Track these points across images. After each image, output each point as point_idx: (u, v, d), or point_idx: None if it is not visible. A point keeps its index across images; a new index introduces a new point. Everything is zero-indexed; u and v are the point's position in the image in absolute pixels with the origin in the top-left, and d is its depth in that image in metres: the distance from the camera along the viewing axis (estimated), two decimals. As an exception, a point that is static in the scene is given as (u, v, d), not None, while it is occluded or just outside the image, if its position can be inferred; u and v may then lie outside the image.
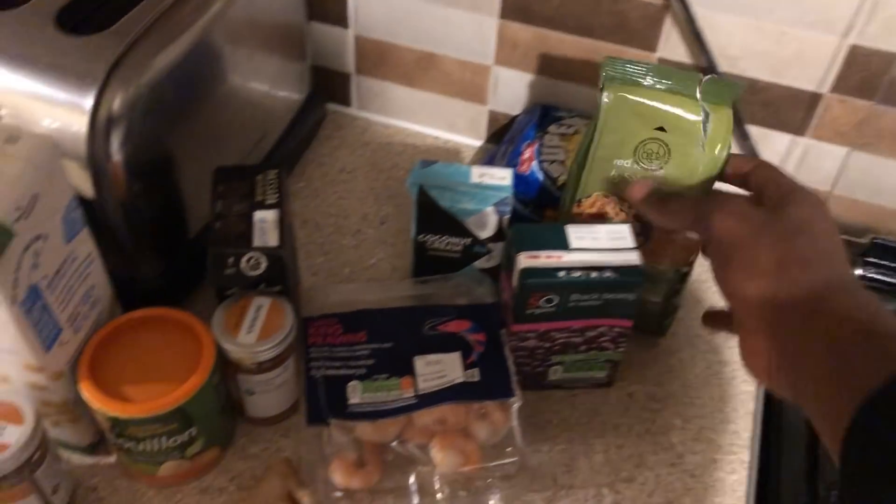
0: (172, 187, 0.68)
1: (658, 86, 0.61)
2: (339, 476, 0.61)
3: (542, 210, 0.78)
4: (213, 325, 0.60)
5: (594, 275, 0.60)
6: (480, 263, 0.71)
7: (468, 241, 0.69)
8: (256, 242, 0.61)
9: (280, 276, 0.62)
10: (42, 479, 0.56)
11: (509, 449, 0.63)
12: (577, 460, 0.65)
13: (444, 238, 0.69)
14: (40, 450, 0.55)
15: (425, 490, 0.61)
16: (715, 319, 0.63)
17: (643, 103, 0.61)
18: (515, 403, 0.63)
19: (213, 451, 0.62)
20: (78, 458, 0.63)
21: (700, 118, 0.60)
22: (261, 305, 0.61)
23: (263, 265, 0.61)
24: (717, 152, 0.61)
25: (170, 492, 0.62)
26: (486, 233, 0.68)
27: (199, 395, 0.57)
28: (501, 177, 0.68)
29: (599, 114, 0.62)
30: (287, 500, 0.60)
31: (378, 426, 0.62)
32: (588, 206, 0.66)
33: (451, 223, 0.68)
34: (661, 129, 0.61)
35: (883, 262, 0.76)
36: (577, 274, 0.60)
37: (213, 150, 0.71)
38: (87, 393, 0.56)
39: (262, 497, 0.60)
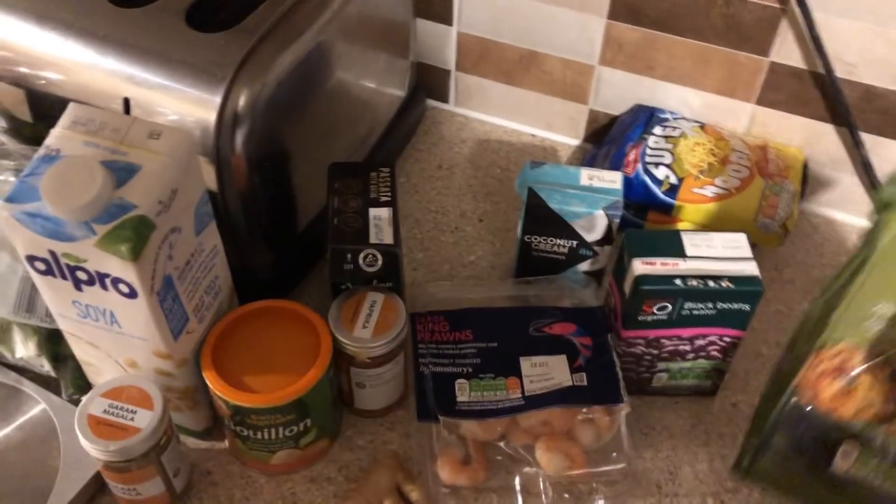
0: (286, 181, 0.69)
1: None
2: (446, 473, 0.62)
3: (646, 213, 0.77)
4: (330, 318, 0.61)
5: (711, 284, 0.60)
6: (585, 266, 0.71)
7: (575, 243, 0.69)
8: (373, 240, 0.62)
9: (394, 273, 0.63)
10: (167, 462, 0.58)
11: (615, 454, 0.63)
12: (681, 469, 0.65)
13: (550, 239, 0.69)
14: (167, 434, 0.57)
15: (529, 491, 0.62)
16: None
17: None
18: (624, 410, 0.63)
19: (324, 442, 0.64)
20: (192, 443, 0.65)
21: None
22: (375, 301, 0.62)
23: (380, 262, 0.62)
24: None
25: (281, 479, 0.63)
26: (593, 236, 0.68)
27: (316, 387, 0.58)
28: (611, 180, 0.68)
29: (875, 243, 0.53)
30: (395, 493, 0.61)
31: (485, 425, 0.63)
32: (831, 356, 0.53)
33: (559, 225, 0.68)
34: None
35: None
36: (693, 282, 0.60)
37: (324, 146, 0.72)
38: (211, 381, 0.57)
39: (371, 489, 0.61)
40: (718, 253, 0.62)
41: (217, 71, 0.60)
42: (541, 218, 0.68)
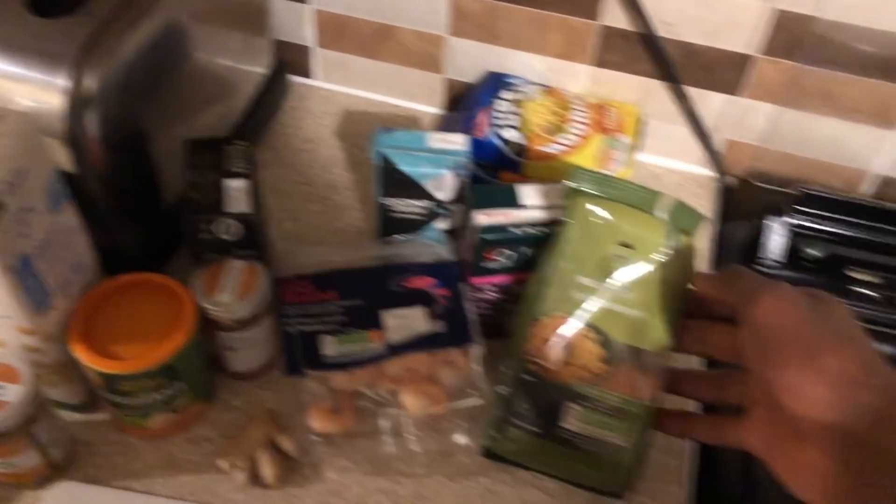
0: (147, 161, 0.71)
1: (624, 201, 0.62)
2: (316, 422, 0.66)
3: (499, 173, 0.83)
4: (193, 286, 0.64)
5: (543, 230, 0.65)
6: (442, 224, 0.76)
7: (429, 203, 0.74)
8: (229, 209, 0.66)
9: (253, 240, 0.67)
10: (40, 435, 0.60)
11: (472, 391, 0.69)
12: (534, 400, 0.71)
13: (406, 201, 0.74)
14: (37, 407, 0.59)
15: (397, 431, 0.67)
16: (669, 420, 0.60)
17: (609, 217, 0.61)
18: (476, 349, 0.68)
19: (199, 405, 0.67)
20: (71, 416, 0.68)
21: (664, 238, 0.60)
22: (236, 268, 0.66)
23: (237, 230, 0.65)
24: (680, 276, 0.61)
25: (160, 443, 0.67)
26: (445, 195, 0.73)
27: (183, 351, 0.61)
28: (456, 141, 0.73)
29: (564, 226, 0.62)
30: (269, 445, 0.65)
31: (350, 375, 0.67)
32: (547, 327, 0.61)
33: (411, 186, 0.73)
34: (626, 245, 0.61)
35: (811, 211, 0.83)
36: (527, 230, 0.65)
37: (184, 124, 0.75)
38: (79, 352, 0.60)
39: (245, 443, 0.65)
40: (552, 202, 0.68)
41: (62, 56, 0.61)
42: (394, 181, 0.73)
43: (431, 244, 0.76)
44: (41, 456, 0.61)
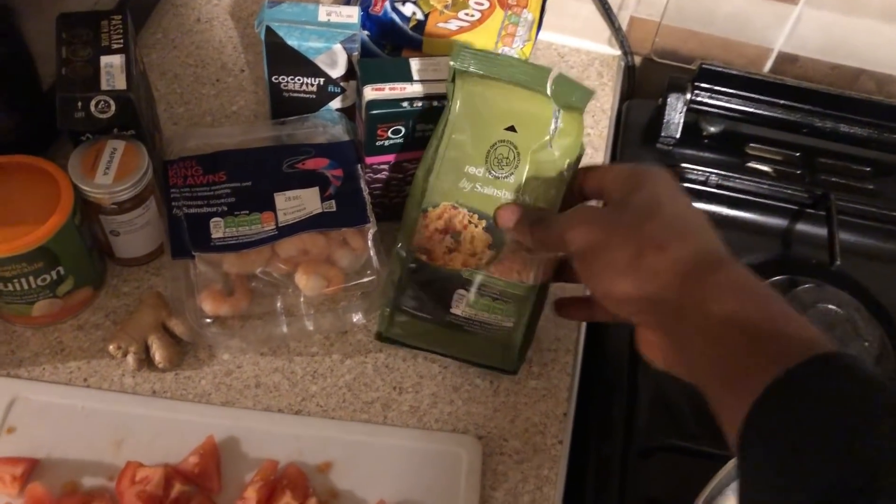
0: (17, 39, 0.67)
1: (509, 79, 0.59)
2: (208, 304, 0.65)
3: (399, 51, 0.80)
4: (70, 168, 0.62)
5: (436, 104, 0.64)
6: (336, 103, 0.74)
7: (321, 80, 0.71)
8: (104, 86, 0.62)
9: (132, 120, 0.64)
10: (-87, 323, 0.58)
11: (368, 272, 0.68)
12: (431, 278, 0.71)
13: (297, 78, 0.71)
14: None
15: (291, 312, 0.67)
16: (571, 307, 0.63)
17: (494, 99, 0.58)
18: (371, 229, 0.68)
19: (86, 291, 0.66)
20: (-49, 307, 0.65)
21: (551, 116, 0.58)
22: (115, 149, 0.63)
23: (113, 108, 0.62)
24: (567, 158, 0.59)
25: (47, 330, 0.65)
26: (337, 71, 0.71)
27: (60, 233, 0.59)
28: (348, 14, 0.70)
29: (448, 111, 0.59)
30: (160, 328, 0.64)
31: (242, 257, 0.66)
32: (435, 217, 0.60)
33: (301, 62, 0.70)
34: (512, 128, 0.59)
35: (711, 87, 0.83)
36: (418, 104, 0.64)
37: (58, 1, 0.70)
38: (-53, 238, 0.58)
39: (135, 326, 0.64)
40: (444, 75, 0.66)
41: None
42: (283, 57, 0.70)
43: (326, 124, 0.74)
44: (-83, 345, 0.59)
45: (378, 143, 0.66)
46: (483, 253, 0.61)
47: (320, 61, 0.70)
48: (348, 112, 0.75)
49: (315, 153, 0.72)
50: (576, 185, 0.60)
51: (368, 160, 0.68)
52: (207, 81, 0.82)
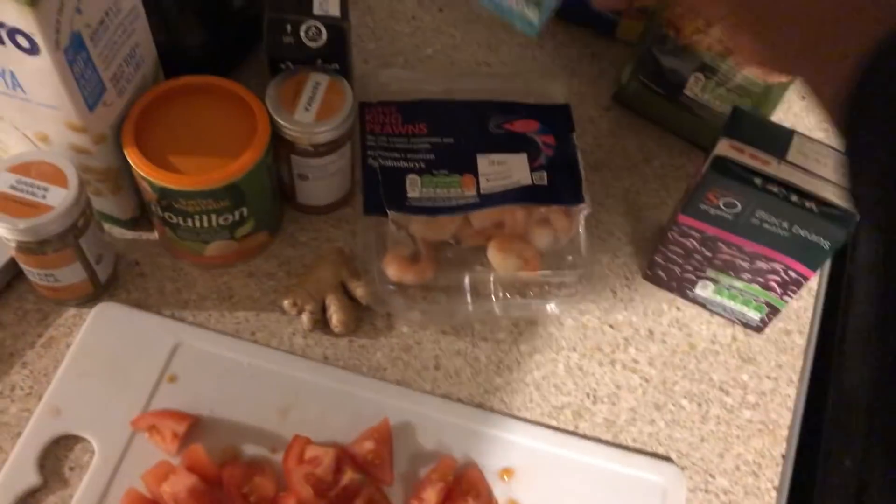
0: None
1: None
2: (392, 269, 0.58)
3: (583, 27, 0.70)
4: (268, 99, 0.55)
5: (794, 198, 0.50)
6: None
7: None
8: (317, 11, 0.55)
9: (340, 53, 0.56)
10: (86, 247, 0.53)
11: (570, 258, 0.60)
12: (638, 274, 0.62)
13: None
14: (84, 215, 0.51)
15: (478, 291, 0.59)
16: None
17: None
18: (583, 211, 0.59)
19: (262, 236, 0.59)
20: (118, 232, 0.60)
21: None
22: (318, 83, 0.56)
23: (324, 37, 0.55)
24: None
25: (216, 272, 0.59)
26: None
27: (253, 172, 0.53)
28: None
29: None
30: (339, 288, 0.58)
31: (435, 223, 0.59)
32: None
33: None
34: None
35: None
36: (775, 189, 0.50)
37: None
38: (134, 159, 0.52)
39: (314, 283, 0.57)
40: (825, 173, 0.51)
41: None
42: None
43: (541, 82, 0.65)
44: (86, 271, 0.54)
45: (703, 207, 0.54)
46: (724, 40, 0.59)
47: None
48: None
49: (525, 114, 0.63)
50: None
51: (682, 218, 0.55)
52: (402, 17, 0.74)
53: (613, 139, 0.69)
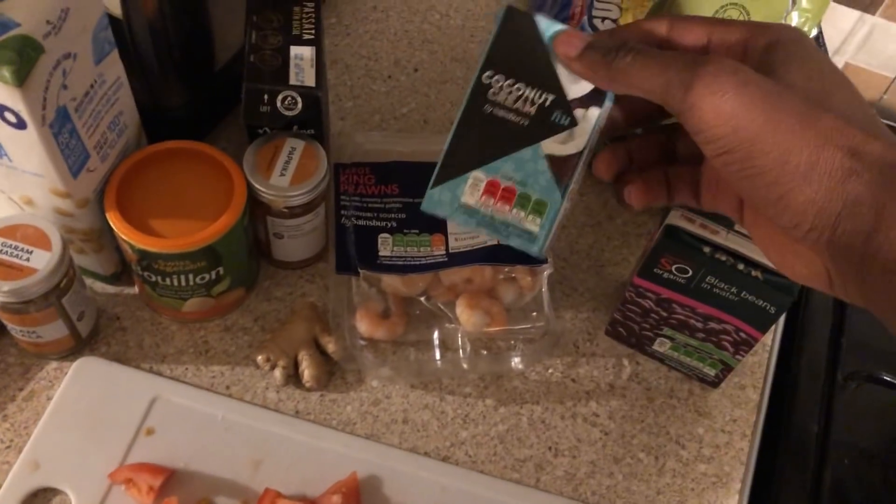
0: (201, 11, 0.63)
1: None
2: (364, 325, 0.61)
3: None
4: (245, 164, 0.57)
5: (741, 267, 0.53)
6: (550, 145, 0.45)
7: (548, 98, 0.48)
8: (293, 81, 0.58)
9: (315, 119, 0.59)
10: (68, 305, 0.55)
11: (535, 313, 0.63)
12: (599, 330, 0.65)
13: (518, 86, 0.46)
14: (67, 276, 0.54)
15: (447, 346, 0.62)
16: (641, 187, 0.44)
17: None
18: (546, 270, 0.62)
19: (238, 292, 0.62)
20: (100, 287, 0.62)
21: None
22: (294, 148, 0.59)
23: (300, 105, 0.58)
24: (805, 29, 0.55)
25: (193, 327, 0.62)
26: (578, 89, 0.43)
27: (229, 234, 0.55)
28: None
29: None
30: (312, 344, 0.60)
31: (406, 280, 0.61)
32: None
33: (538, 62, 0.44)
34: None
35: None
36: (723, 257, 0.53)
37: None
38: (115, 223, 0.54)
39: (287, 339, 0.60)
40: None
41: None
42: (513, 49, 0.44)
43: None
44: (68, 327, 0.56)
45: (656, 271, 0.56)
46: None
47: (563, 73, 0.53)
48: (560, 163, 0.45)
49: (493, 175, 0.66)
50: (649, 31, 0.41)
51: (638, 281, 0.58)
52: (379, 77, 0.77)
53: (578, 197, 0.72)
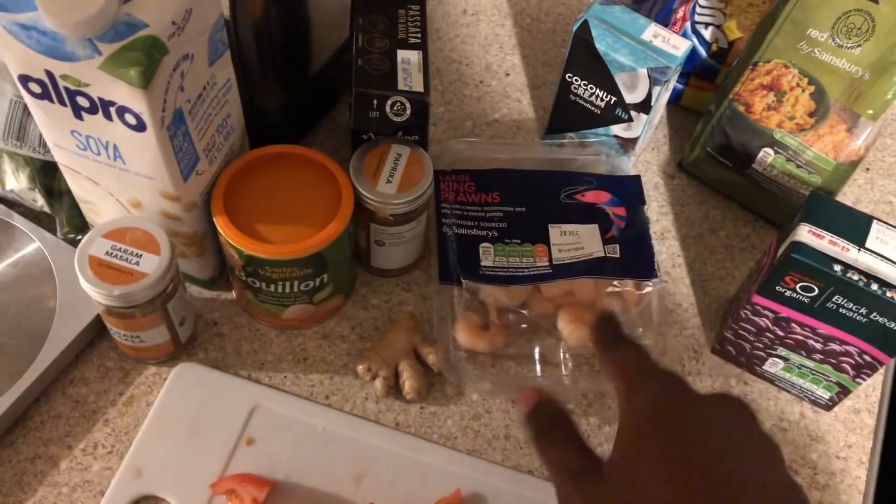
0: (303, 14, 0.62)
1: None
2: (464, 337, 0.59)
3: (687, 78, 0.72)
4: (352, 170, 0.56)
5: (874, 287, 0.50)
6: (617, 129, 0.66)
7: (612, 98, 0.63)
8: (402, 86, 0.56)
9: (422, 126, 0.58)
10: (172, 311, 0.54)
11: (640, 329, 0.60)
12: (705, 347, 0.63)
13: (589, 86, 0.63)
14: (174, 281, 0.53)
15: (548, 360, 0.60)
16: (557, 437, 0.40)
17: None
18: (656, 285, 0.60)
19: (338, 299, 0.60)
20: (197, 291, 0.62)
21: None
22: (400, 154, 0.57)
23: (408, 111, 0.56)
24: None
25: (291, 334, 0.60)
26: (633, 97, 0.63)
27: (336, 241, 0.54)
28: (676, 45, 0.61)
29: None
30: (412, 354, 0.59)
31: (508, 291, 0.60)
32: (764, 72, 0.61)
33: (599, 71, 0.62)
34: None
35: None
36: (854, 276, 0.51)
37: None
38: (223, 228, 0.53)
39: (388, 349, 0.58)
40: None
41: None
42: (584, 58, 0.62)
43: (609, 152, 0.66)
44: (170, 332, 0.56)
45: (778, 289, 0.54)
46: (802, 119, 0.61)
47: (620, 79, 0.62)
48: (627, 144, 0.67)
49: (596, 185, 0.64)
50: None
51: (756, 298, 0.55)
52: (470, 82, 0.75)
53: (679, 207, 0.69)
